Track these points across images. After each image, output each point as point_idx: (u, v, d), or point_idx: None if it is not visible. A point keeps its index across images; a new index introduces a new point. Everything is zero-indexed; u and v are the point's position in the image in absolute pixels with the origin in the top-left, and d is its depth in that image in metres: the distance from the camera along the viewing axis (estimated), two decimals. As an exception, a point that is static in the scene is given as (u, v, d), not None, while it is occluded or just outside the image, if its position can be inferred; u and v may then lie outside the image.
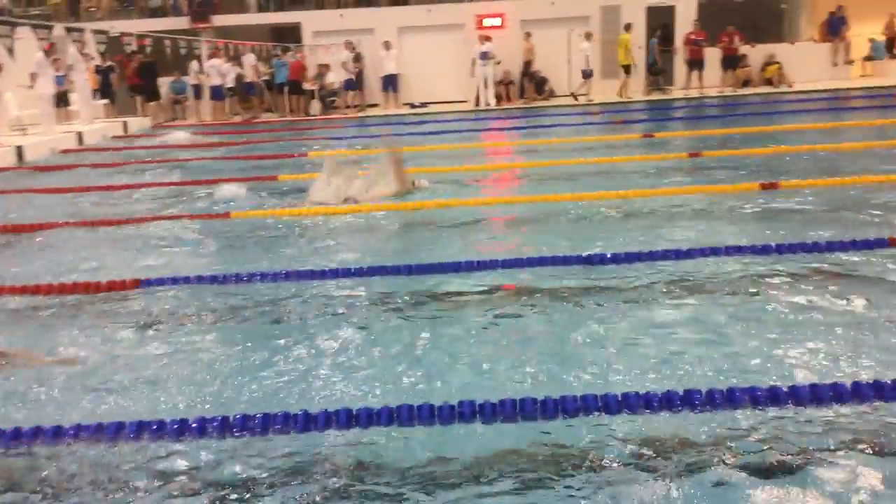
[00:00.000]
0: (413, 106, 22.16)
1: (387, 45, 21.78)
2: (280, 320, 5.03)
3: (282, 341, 4.57)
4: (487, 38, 21.22)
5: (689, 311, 4.84)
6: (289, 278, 5.77)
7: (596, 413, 3.44)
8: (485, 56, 21.05)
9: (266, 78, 22.61)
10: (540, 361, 4.17)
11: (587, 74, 21.23)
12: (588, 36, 21.19)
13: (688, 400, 3.48)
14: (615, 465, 3.14)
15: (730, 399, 3.48)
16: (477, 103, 21.30)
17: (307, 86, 22.25)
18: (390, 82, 22.10)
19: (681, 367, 4.04)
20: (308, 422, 3.46)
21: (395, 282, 5.66)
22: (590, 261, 5.83)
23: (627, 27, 21.39)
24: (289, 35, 23.96)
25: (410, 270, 5.80)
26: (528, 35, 21.85)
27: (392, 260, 6.22)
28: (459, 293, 5.39)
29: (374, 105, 22.80)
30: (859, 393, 3.49)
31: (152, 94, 21.46)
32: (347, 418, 3.45)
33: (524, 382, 3.91)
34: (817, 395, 3.49)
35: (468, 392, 3.69)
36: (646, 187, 8.83)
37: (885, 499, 2.87)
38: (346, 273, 5.84)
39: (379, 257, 6.41)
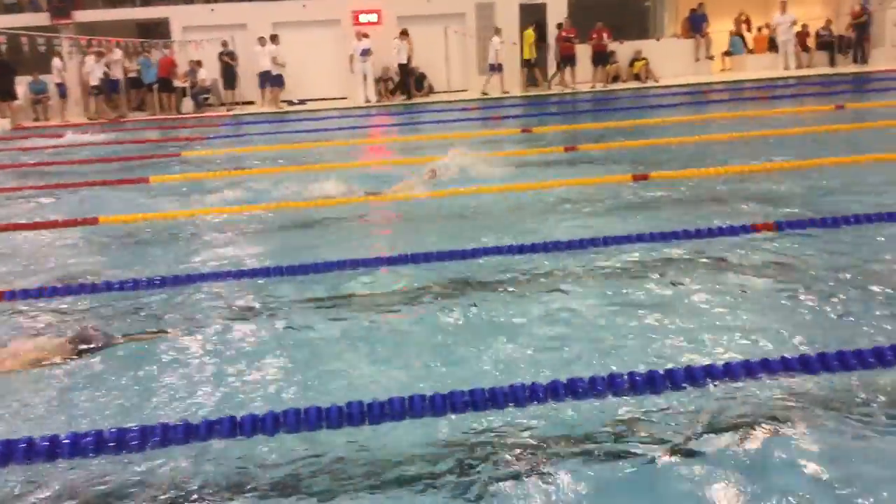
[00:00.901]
0: (291, 103, 21.78)
1: (262, 41, 21.29)
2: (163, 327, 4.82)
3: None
4: (365, 35, 21.11)
5: (569, 300, 4.95)
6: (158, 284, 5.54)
7: (485, 408, 3.46)
8: (365, 53, 20.93)
9: (134, 75, 21.67)
10: (420, 359, 4.17)
11: (495, 69, 21.46)
12: (498, 31, 21.46)
13: (572, 389, 3.55)
14: (497, 462, 3.16)
15: (611, 385, 3.57)
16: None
17: (178, 83, 21.48)
18: (266, 79, 21.62)
19: (562, 357, 4.12)
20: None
21: (288, 280, 5.54)
22: (472, 255, 5.87)
23: (534, 23, 21.83)
24: (157, 31, 23.07)
25: (298, 270, 5.69)
26: (405, 32, 21.84)
27: (274, 259, 6.07)
28: (345, 294, 5.32)
29: (251, 102, 22.26)
30: (731, 372, 3.65)
31: (7, 94, 20.15)
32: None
33: (410, 381, 3.89)
34: (692, 376, 3.64)
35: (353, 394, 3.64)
36: (524, 181, 8.99)
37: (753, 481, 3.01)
38: (230, 275, 5.67)
39: (262, 257, 6.25)
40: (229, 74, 21.63)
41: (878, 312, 4.54)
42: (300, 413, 3.38)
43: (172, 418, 3.49)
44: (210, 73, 21.74)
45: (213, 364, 4.23)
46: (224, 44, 21.36)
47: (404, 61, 21.42)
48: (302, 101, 21.81)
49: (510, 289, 5.25)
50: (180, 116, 20.73)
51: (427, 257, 5.82)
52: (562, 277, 5.43)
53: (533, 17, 22.51)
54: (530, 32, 21.76)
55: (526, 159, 10.91)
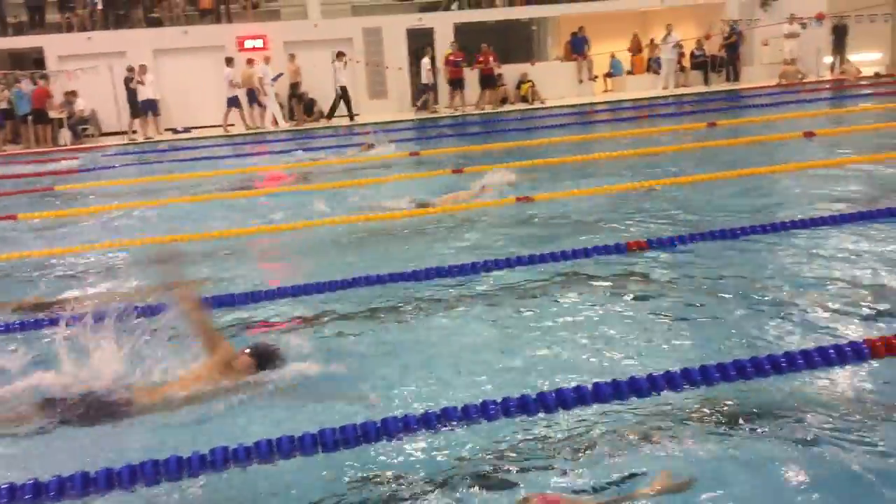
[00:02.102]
0: (176, 132, 21.18)
1: (142, 69, 20.64)
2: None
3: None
4: (267, 60, 20.96)
5: (451, 325, 4.95)
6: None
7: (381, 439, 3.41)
8: (276, 78, 20.86)
9: (6, 107, 20.62)
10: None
11: (429, 88, 21.75)
12: (426, 51, 21.49)
13: (466, 414, 3.54)
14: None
15: (484, 411, 3.57)
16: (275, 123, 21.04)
17: (53, 114, 20.57)
18: (148, 107, 20.96)
19: (442, 381, 4.10)
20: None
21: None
22: (366, 282, 5.81)
23: (452, 45, 22.02)
24: (31, 61, 22.07)
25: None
26: (292, 57, 21.65)
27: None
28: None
29: (134, 132, 21.52)
30: (599, 394, 3.71)
31: None
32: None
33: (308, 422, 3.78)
34: (581, 395, 3.69)
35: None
36: (413, 207, 8.98)
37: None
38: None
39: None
40: (134, 101, 20.75)
41: (747, 325, 4.72)
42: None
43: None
44: (88, 102, 20.93)
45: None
46: (130, 69, 20.61)
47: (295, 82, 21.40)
48: (187, 130, 21.25)
49: (398, 316, 5.22)
50: (56, 149, 19.83)
51: (321, 287, 5.72)
52: (445, 301, 5.42)
53: (420, 42, 22.71)
54: (449, 52, 22.13)
55: (415, 183, 10.93)
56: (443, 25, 22.86)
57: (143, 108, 20.81)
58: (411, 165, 13.08)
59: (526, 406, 3.60)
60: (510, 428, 3.56)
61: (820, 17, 21.93)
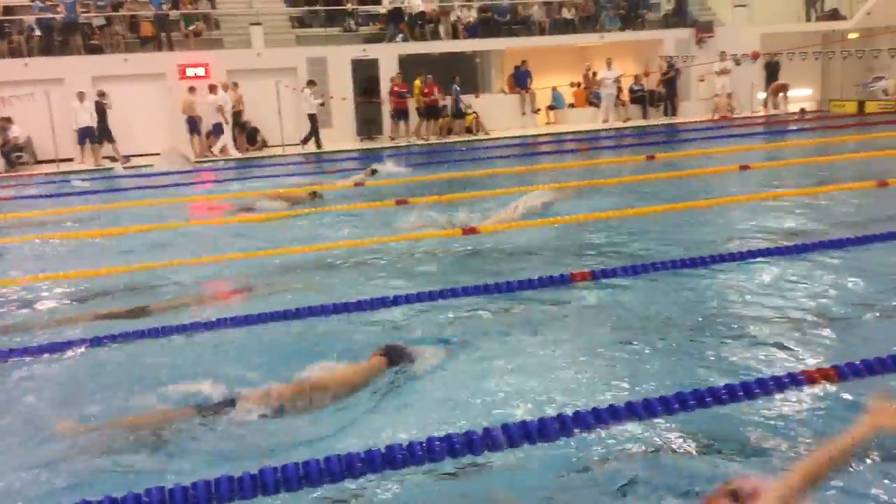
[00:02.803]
0: (114, 160, 20.75)
1: (81, 96, 20.25)
2: None
3: None
4: (225, 87, 20.78)
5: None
6: None
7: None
8: (234, 106, 20.82)
9: (-65, 134, 19.97)
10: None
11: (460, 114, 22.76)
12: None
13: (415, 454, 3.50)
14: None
15: (429, 450, 3.54)
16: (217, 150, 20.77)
17: (-14, 141, 19.99)
18: (87, 135, 20.53)
19: (383, 417, 4.06)
20: None
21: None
22: (308, 313, 5.74)
23: (418, 74, 22.17)
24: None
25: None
26: (235, 85, 21.49)
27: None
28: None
29: (69, 160, 21.03)
30: (545, 429, 3.71)
31: None
32: None
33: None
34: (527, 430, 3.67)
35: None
36: (355, 238, 8.95)
37: None
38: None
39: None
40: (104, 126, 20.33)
41: (689, 356, 4.80)
42: None
43: None
44: (24, 129, 20.41)
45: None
46: (101, 94, 20.18)
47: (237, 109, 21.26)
48: (127, 158, 20.84)
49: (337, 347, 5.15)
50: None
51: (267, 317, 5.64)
52: (389, 333, 5.39)
53: (365, 73, 22.78)
54: (418, 83, 22.28)
55: (359, 213, 10.89)
56: (387, 57, 23.00)
57: (81, 136, 20.41)
58: (355, 196, 13.01)
59: (469, 443, 3.57)
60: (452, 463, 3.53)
61: (755, 56, 22.70)
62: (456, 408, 4.19)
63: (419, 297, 6.03)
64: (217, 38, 23.44)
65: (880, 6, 24.07)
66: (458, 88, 23.21)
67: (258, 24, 22.57)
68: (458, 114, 23.20)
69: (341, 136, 22.18)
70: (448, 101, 23.06)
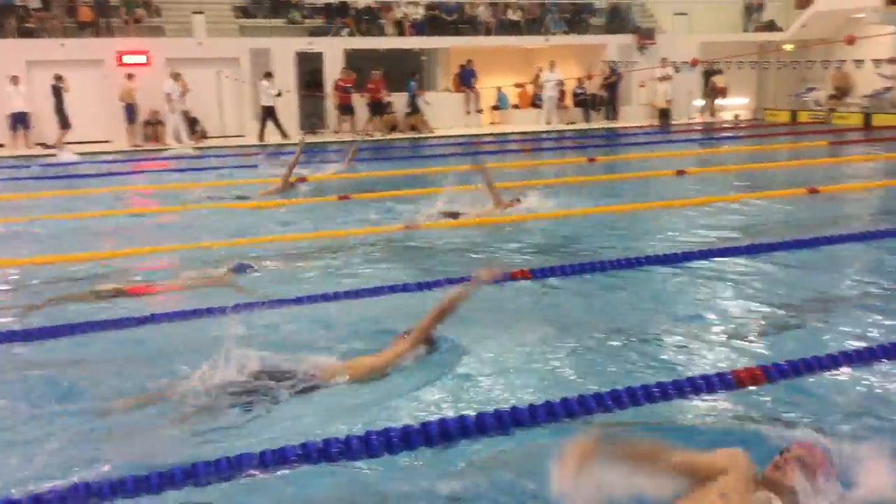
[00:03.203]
0: (47, 146, 20.14)
1: (14, 80, 19.61)
2: None
3: None
4: (175, 76, 20.38)
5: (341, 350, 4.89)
6: None
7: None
8: (184, 94, 20.33)
9: None
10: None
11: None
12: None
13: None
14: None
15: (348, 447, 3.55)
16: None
17: None
18: (19, 120, 19.91)
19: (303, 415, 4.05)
20: None
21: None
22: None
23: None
24: None
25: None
26: (177, 75, 21.05)
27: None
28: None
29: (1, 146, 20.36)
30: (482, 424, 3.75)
31: None
32: None
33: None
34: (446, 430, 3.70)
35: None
36: (296, 232, 8.88)
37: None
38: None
39: None
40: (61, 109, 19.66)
41: (625, 355, 4.89)
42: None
43: None
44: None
45: None
46: (58, 77, 19.51)
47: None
48: (59, 147, 20.23)
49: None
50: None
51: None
52: (325, 332, 5.37)
53: (309, 66, 22.59)
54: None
55: (301, 209, 10.79)
56: (333, 50, 22.84)
57: (13, 122, 19.79)
58: (297, 191, 12.88)
59: (387, 443, 3.60)
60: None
61: (694, 63, 23.21)
62: (378, 406, 4.21)
63: (358, 294, 6.03)
64: (158, 25, 22.96)
65: (814, 19, 24.88)
66: (416, 84, 23.16)
67: (200, 12, 22.15)
68: (416, 110, 23.10)
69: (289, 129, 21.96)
70: (392, 98, 23.02)
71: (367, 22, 23.87)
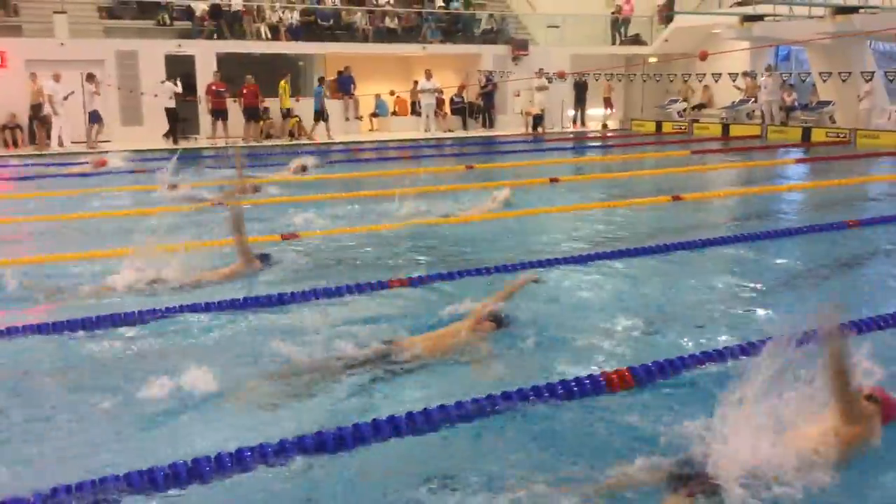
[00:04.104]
0: None
1: None
2: None
3: None
4: (57, 77, 19.35)
5: (218, 364, 4.76)
6: None
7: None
8: (68, 96, 19.46)
9: None
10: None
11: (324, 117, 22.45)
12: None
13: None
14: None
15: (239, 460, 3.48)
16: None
17: None
18: None
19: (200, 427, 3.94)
20: None
21: None
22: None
23: (284, 75, 21.96)
24: None
25: None
26: (34, 76, 19.90)
27: None
28: None
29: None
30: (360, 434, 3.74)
31: None
32: None
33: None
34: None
35: None
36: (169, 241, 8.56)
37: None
38: None
39: None
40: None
41: (500, 357, 4.99)
42: None
43: None
44: None
45: None
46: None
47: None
48: None
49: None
50: None
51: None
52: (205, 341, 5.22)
53: (180, 69, 21.85)
54: (284, 84, 22.09)
55: (176, 217, 10.41)
56: (205, 54, 22.21)
57: None
58: (168, 198, 12.42)
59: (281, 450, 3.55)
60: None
61: (561, 75, 23.99)
62: (265, 416, 4.14)
63: (232, 305, 5.89)
64: (16, 24, 21.64)
65: (676, 35, 26.25)
66: (321, 89, 22.79)
67: (62, 12, 21.05)
68: (321, 115, 22.70)
69: (152, 134, 21.14)
70: (267, 104, 22.62)
71: (240, 26, 23.32)
